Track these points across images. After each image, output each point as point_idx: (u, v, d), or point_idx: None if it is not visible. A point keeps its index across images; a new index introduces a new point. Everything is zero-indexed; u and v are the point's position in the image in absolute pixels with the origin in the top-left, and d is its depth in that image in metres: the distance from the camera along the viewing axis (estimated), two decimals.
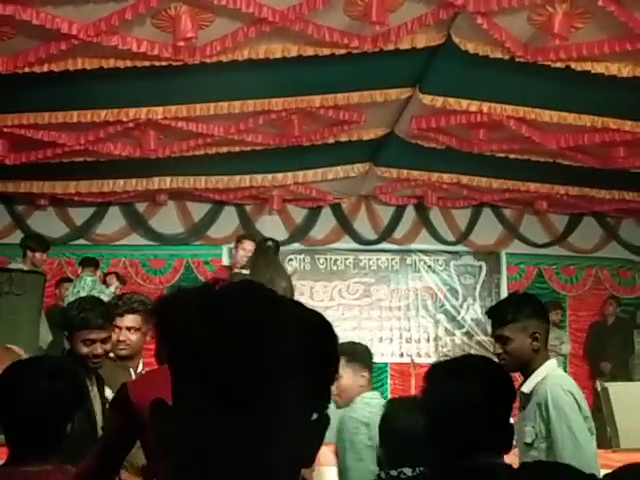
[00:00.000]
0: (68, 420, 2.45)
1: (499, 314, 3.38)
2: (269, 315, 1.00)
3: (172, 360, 1.02)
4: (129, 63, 6.34)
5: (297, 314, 1.04)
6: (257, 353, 0.96)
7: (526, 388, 3.31)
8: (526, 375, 3.35)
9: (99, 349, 3.70)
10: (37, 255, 7.86)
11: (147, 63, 6.34)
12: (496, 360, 3.14)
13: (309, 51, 6.39)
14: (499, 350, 3.32)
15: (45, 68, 6.27)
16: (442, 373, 2.25)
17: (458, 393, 2.14)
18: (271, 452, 0.97)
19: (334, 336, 1.08)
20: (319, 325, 1.07)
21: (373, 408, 4.14)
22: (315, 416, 1.03)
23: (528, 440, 3.24)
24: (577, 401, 3.22)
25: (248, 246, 7.73)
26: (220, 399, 0.95)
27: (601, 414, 6.98)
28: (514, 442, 2.32)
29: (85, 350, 3.67)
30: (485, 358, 2.39)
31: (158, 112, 7.28)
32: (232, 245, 10.79)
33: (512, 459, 2.34)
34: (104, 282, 9.48)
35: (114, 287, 8.48)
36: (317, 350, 1.03)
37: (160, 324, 1.03)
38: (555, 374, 3.36)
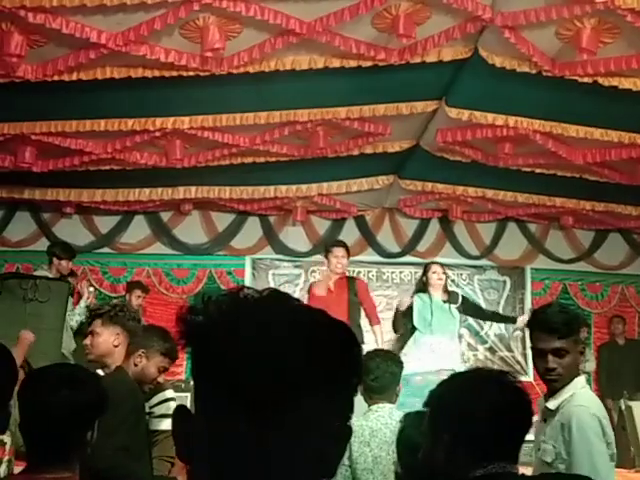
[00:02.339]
0: (89, 428, 2.46)
1: (564, 325, 3.17)
2: (296, 326, 1.00)
3: (197, 367, 1.03)
4: (157, 73, 6.37)
5: (323, 324, 1.04)
6: (283, 364, 0.96)
7: (552, 405, 3.23)
8: (553, 390, 3.27)
9: None
10: (63, 263, 7.91)
11: (175, 73, 6.37)
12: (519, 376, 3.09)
13: (335, 63, 6.40)
14: (554, 365, 3.16)
15: (74, 76, 6.32)
16: (455, 385, 2.23)
17: (471, 404, 2.10)
18: (295, 463, 0.96)
19: (359, 347, 1.08)
20: (345, 336, 1.06)
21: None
22: (339, 425, 1.03)
23: (548, 459, 3.18)
24: (602, 426, 3.14)
25: (339, 253, 7.68)
26: (245, 410, 0.95)
27: (625, 433, 6.90)
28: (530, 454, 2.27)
29: None
30: (499, 371, 2.34)
31: (185, 122, 7.31)
32: (256, 256, 10.93)
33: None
34: (127, 291, 9.52)
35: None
36: (343, 361, 1.03)
37: (187, 333, 1.03)
38: (582, 394, 3.25)
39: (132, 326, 4.27)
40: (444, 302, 7.61)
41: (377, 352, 4.60)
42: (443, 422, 2.14)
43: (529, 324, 3.37)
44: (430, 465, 2.16)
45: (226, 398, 0.96)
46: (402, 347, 7.70)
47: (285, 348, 0.97)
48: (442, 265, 8.19)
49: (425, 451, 2.20)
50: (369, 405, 4.31)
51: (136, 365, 4.12)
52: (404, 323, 7.92)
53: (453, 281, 11.14)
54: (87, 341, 4.28)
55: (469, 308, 8.19)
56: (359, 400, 4.36)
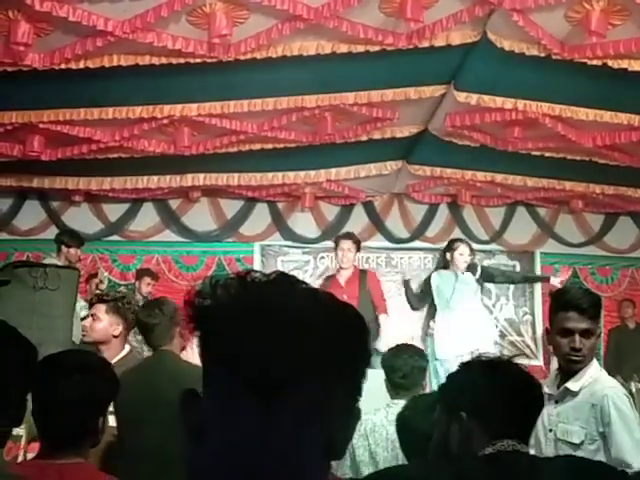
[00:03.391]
0: (101, 414, 2.47)
1: (592, 306, 3.21)
2: (303, 309, 1.00)
3: (206, 350, 1.03)
4: (164, 60, 6.36)
5: (331, 307, 1.04)
6: (291, 346, 0.96)
7: (575, 386, 3.25)
8: (570, 373, 3.29)
9: None
10: (72, 251, 7.93)
11: (182, 60, 6.36)
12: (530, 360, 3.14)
13: (343, 48, 6.37)
14: (581, 345, 3.18)
15: (81, 64, 6.30)
16: (471, 371, 2.27)
17: (487, 388, 2.17)
18: (303, 444, 0.97)
19: (367, 330, 1.08)
20: (352, 318, 1.06)
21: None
22: (347, 409, 1.03)
23: (575, 440, 3.20)
24: (632, 405, 3.22)
25: (345, 245, 7.58)
26: (252, 388, 0.95)
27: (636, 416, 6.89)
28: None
29: None
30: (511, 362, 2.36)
31: (192, 109, 7.30)
32: (265, 242, 10.94)
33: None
34: (137, 278, 9.55)
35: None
36: (350, 343, 1.03)
37: (195, 316, 1.03)
38: (606, 376, 3.33)
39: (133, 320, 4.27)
40: (464, 274, 7.55)
41: (401, 347, 4.48)
42: (460, 404, 2.19)
43: (555, 302, 3.35)
44: (443, 446, 2.20)
45: (234, 382, 0.96)
46: (428, 326, 7.67)
47: (292, 331, 0.97)
48: (469, 245, 8.04)
49: (439, 433, 2.24)
50: (392, 399, 4.24)
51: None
52: (425, 301, 7.89)
53: None
54: (86, 323, 4.29)
55: (490, 275, 8.04)
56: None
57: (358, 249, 7.84)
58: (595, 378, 3.26)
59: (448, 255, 7.97)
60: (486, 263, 11.12)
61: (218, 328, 1.00)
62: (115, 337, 4.27)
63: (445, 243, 10.93)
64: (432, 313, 7.96)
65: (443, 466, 1.97)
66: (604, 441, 3.16)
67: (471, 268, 7.75)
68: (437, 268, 8.14)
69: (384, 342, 8.12)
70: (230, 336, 0.98)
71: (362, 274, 7.96)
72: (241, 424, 0.96)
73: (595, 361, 3.35)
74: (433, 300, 7.91)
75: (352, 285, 7.73)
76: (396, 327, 9.93)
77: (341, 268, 7.75)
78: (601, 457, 3.08)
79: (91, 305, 4.52)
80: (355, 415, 1.05)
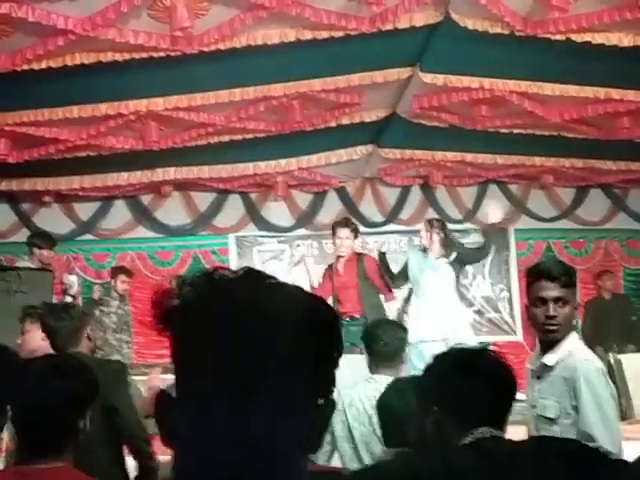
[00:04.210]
0: (80, 417, 2.45)
1: (564, 274, 3.26)
2: (271, 305, 0.99)
3: (175, 351, 1.02)
4: (127, 55, 6.30)
5: (300, 300, 1.03)
6: (260, 343, 0.95)
7: (550, 360, 3.27)
8: (548, 346, 3.32)
9: None
10: (44, 252, 7.86)
11: (145, 55, 6.31)
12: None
13: (307, 35, 6.35)
14: (554, 312, 3.22)
15: (44, 64, 6.23)
16: (441, 364, 2.28)
17: (459, 379, 2.17)
18: (276, 438, 0.96)
19: (337, 321, 1.07)
20: (322, 312, 1.06)
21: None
22: (321, 401, 1.03)
23: (551, 415, 3.22)
24: (607, 380, 3.22)
25: (342, 233, 7.54)
26: (223, 387, 0.94)
27: (614, 386, 6.97)
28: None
29: None
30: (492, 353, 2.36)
31: (159, 103, 7.25)
32: (239, 233, 10.91)
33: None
34: (112, 276, 9.50)
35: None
36: (320, 337, 1.02)
37: (162, 317, 1.02)
38: (582, 348, 3.34)
39: None
40: (436, 259, 7.50)
41: (381, 320, 4.59)
42: (432, 396, 2.22)
43: (529, 275, 3.41)
44: (421, 434, 2.21)
45: (204, 382, 0.96)
46: (404, 310, 7.66)
47: (260, 328, 0.96)
48: (429, 221, 7.92)
49: (416, 421, 2.25)
50: (372, 374, 4.27)
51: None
52: (401, 280, 7.89)
53: None
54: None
55: (465, 256, 8.03)
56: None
57: (356, 236, 7.81)
58: (571, 351, 3.26)
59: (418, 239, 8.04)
60: (461, 242, 11.23)
61: (185, 328, 0.99)
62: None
63: (419, 225, 10.98)
64: (408, 297, 7.97)
65: (429, 458, 1.97)
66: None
67: (446, 249, 7.69)
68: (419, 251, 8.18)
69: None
70: (197, 336, 0.97)
71: (359, 259, 7.87)
72: (214, 424, 0.95)
73: (574, 334, 3.36)
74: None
75: (350, 271, 7.67)
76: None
77: (340, 256, 7.71)
78: (577, 433, 3.10)
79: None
80: (329, 407, 1.04)
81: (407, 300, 7.85)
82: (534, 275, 3.33)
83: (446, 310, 7.22)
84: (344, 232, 7.51)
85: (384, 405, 3.23)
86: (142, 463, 3.90)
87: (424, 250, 7.64)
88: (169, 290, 1.03)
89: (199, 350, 0.97)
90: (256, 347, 0.95)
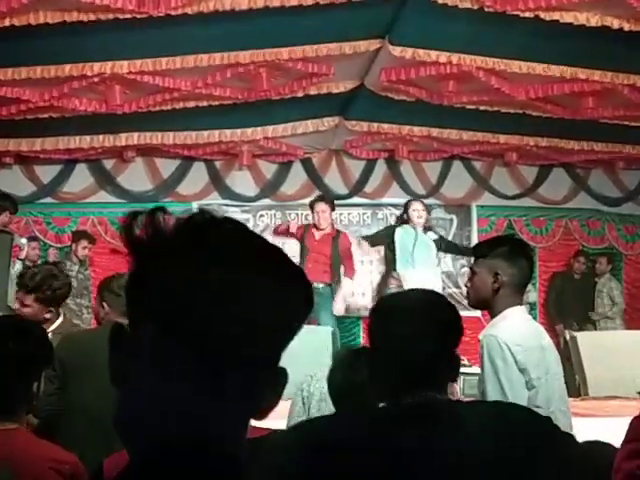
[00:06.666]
0: (35, 380, 2.44)
1: (474, 249, 3.90)
2: (235, 264, 0.95)
3: (132, 298, 0.98)
4: (92, 16, 6.19)
5: (267, 263, 0.98)
6: (219, 303, 0.92)
7: (481, 335, 3.33)
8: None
9: None
10: (3, 215, 7.76)
11: (111, 16, 6.20)
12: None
13: (275, 2, 6.28)
14: (467, 283, 3.49)
15: (7, 22, 6.11)
16: (384, 309, 2.19)
17: (397, 328, 2.05)
18: (224, 401, 0.94)
19: (308, 287, 1.03)
20: (295, 276, 1.02)
21: None
22: (273, 371, 1.00)
23: (477, 391, 3.40)
24: (513, 353, 3.18)
25: (319, 208, 7.74)
26: (178, 346, 0.91)
27: (570, 363, 7.08)
28: None
29: None
30: (430, 292, 2.25)
31: (123, 66, 7.14)
32: (203, 202, 10.84)
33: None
34: (73, 241, 9.40)
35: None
36: (284, 303, 0.98)
37: (132, 250, 0.99)
38: (503, 324, 3.30)
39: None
40: (425, 234, 7.85)
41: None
42: (377, 351, 2.14)
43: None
44: (363, 393, 2.16)
45: (165, 334, 0.92)
46: (386, 282, 7.87)
47: (231, 288, 0.93)
48: (423, 202, 8.31)
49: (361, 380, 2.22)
50: None
51: None
52: (378, 242, 8.20)
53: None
54: (16, 306, 4.28)
55: (446, 246, 8.42)
56: None
57: (332, 209, 8.04)
58: (495, 325, 3.32)
59: (405, 216, 8.24)
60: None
61: (156, 267, 0.95)
62: (47, 319, 4.23)
63: (383, 199, 11.04)
64: (388, 270, 8.12)
65: (361, 415, 1.94)
66: None
67: (428, 229, 8.04)
68: (397, 225, 8.40)
69: (339, 306, 8.33)
70: (156, 286, 0.94)
71: (336, 235, 8.19)
72: (163, 369, 0.91)
73: (514, 308, 3.32)
74: (389, 254, 8.12)
75: (325, 244, 7.94)
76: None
77: (319, 228, 7.94)
78: None
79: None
80: (282, 377, 1.01)
81: (389, 274, 8.08)
82: None
83: (427, 281, 7.47)
84: (321, 206, 7.74)
85: (330, 378, 3.21)
86: None
87: (405, 223, 7.99)
88: (141, 220, 0.98)
89: (159, 302, 0.93)
90: (217, 309, 0.92)
